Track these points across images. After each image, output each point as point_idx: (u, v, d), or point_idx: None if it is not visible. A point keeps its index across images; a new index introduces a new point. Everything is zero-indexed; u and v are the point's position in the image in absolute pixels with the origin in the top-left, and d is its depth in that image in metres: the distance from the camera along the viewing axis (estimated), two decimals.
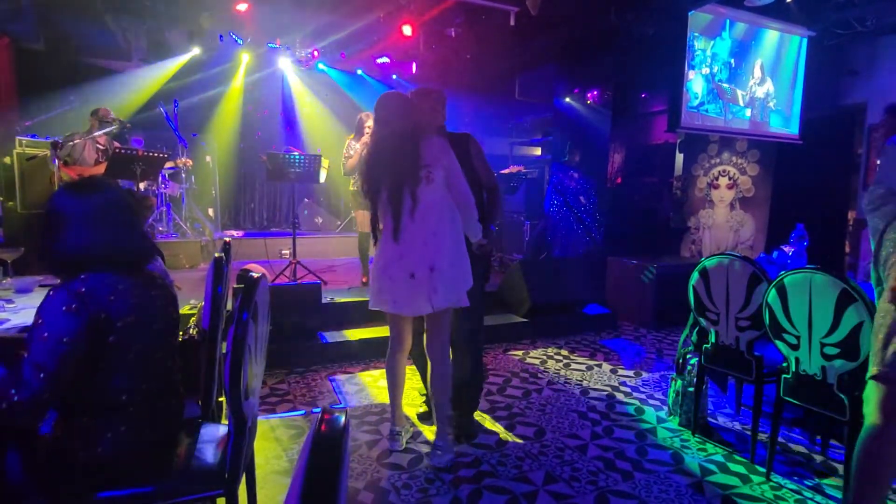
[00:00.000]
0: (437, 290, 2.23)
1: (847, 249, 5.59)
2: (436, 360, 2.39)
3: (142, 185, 5.06)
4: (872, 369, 1.73)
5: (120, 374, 1.25)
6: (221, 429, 1.64)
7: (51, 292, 1.19)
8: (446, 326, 2.37)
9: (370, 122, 4.46)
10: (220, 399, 1.95)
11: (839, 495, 2.16)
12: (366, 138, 4.37)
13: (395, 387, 2.52)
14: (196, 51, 6.47)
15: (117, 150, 4.46)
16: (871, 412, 1.72)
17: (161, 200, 5.62)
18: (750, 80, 5.26)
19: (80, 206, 1.29)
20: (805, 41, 5.39)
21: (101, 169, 4.50)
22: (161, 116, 5.92)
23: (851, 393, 2.01)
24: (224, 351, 1.41)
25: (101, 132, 4.60)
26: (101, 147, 4.76)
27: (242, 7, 5.43)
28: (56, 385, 1.14)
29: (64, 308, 1.16)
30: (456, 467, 2.35)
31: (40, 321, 1.16)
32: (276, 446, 2.51)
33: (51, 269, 1.29)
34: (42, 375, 1.12)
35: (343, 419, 0.61)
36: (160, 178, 5.44)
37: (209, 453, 1.50)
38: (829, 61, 5.47)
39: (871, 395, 1.72)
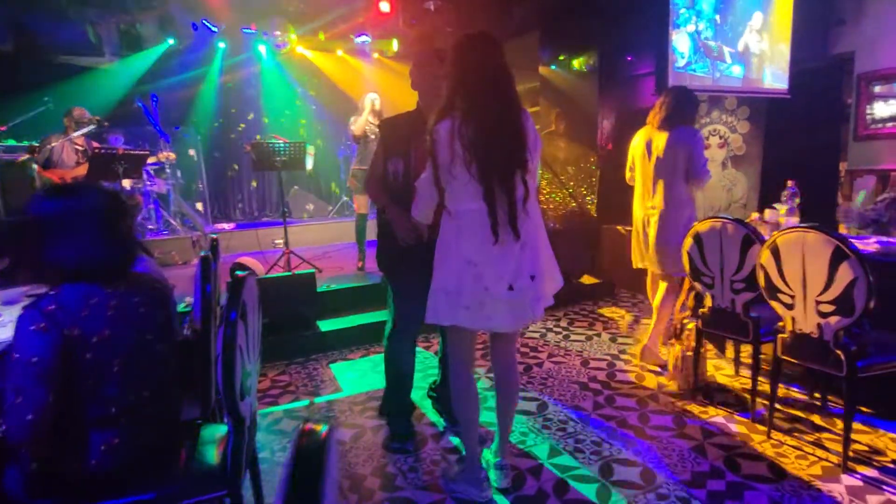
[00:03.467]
0: (540, 299, 1.89)
1: (840, 201, 5.58)
2: (514, 374, 2.06)
3: (126, 184, 5.00)
4: None
5: (106, 386, 1.23)
6: (222, 429, 1.63)
7: (23, 310, 1.16)
8: (517, 333, 2.10)
9: (374, 105, 4.43)
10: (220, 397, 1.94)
11: (838, 449, 2.18)
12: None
13: (473, 422, 2.02)
14: (170, 41, 6.30)
15: (97, 151, 4.37)
16: None
17: (148, 198, 5.55)
18: (745, 37, 5.15)
19: (52, 214, 1.25)
20: None
21: (82, 170, 4.41)
22: (140, 112, 5.80)
23: (848, 349, 2.02)
24: (217, 351, 1.40)
25: (77, 133, 4.50)
26: (79, 148, 4.66)
27: None
28: (37, 405, 1.12)
29: (33, 328, 1.14)
30: (459, 448, 2.37)
31: (13, 341, 1.14)
32: (281, 438, 2.52)
33: (32, 277, 1.27)
34: (20, 399, 1.11)
35: (324, 432, 0.59)
36: (145, 175, 5.36)
37: (210, 454, 1.50)
38: (816, 12, 5.36)
39: None
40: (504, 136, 1.76)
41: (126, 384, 1.26)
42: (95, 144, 4.77)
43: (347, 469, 2.25)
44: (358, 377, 3.23)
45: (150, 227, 5.54)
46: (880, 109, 5.31)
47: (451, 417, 2.56)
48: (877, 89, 5.27)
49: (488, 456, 2.16)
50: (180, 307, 3.51)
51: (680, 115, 3.00)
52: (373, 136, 4.33)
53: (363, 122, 4.42)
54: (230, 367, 1.32)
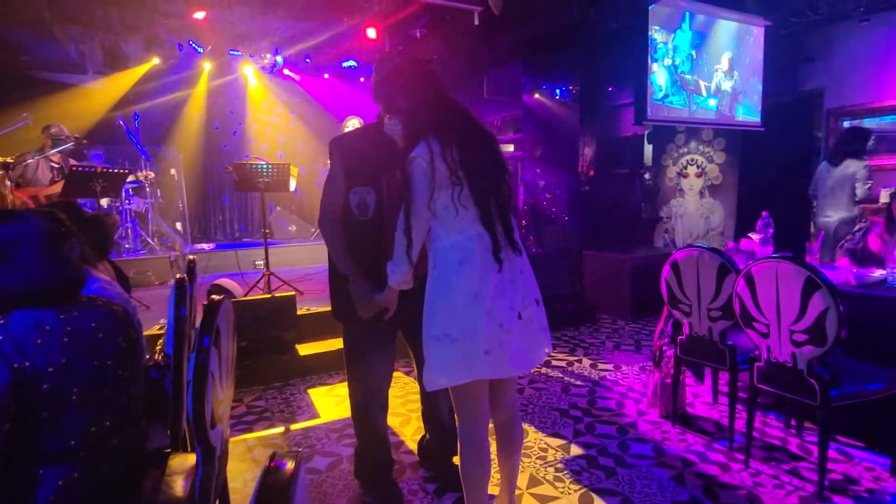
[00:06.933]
0: (547, 329, 1.71)
1: (811, 231, 5.73)
2: (520, 419, 1.85)
3: (104, 202, 4.92)
4: None
5: (65, 417, 1.18)
6: (191, 458, 1.58)
7: None
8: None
9: (351, 125, 4.45)
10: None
11: (815, 478, 2.19)
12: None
13: (483, 489, 1.73)
14: (155, 61, 6.29)
15: (74, 168, 4.30)
16: None
17: (126, 216, 5.46)
18: (715, 72, 5.34)
19: None
20: (762, 31, 5.51)
21: (57, 188, 4.33)
22: (121, 130, 5.76)
23: (821, 378, 2.05)
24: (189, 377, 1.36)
25: (54, 151, 4.44)
26: (55, 165, 4.59)
27: (199, 15, 5.29)
28: None
29: None
30: (439, 478, 2.32)
31: None
32: (253, 467, 2.45)
33: None
34: None
35: (291, 466, 0.57)
36: (124, 194, 5.28)
37: (178, 486, 1.44)
38: (786, 49, 5.60)
39: None
40: (488, 154, 1.66)
41: (86, 414, 1.20)
42: (72, 162, 4.70)
43: (322, 500, 2.18)
44: (336, 403, 3.17)
45: (126, 245, 5.43)
46: None
47: (447, 480, 2.24)
48: (845, 124, 5.48)
49: None
50: (153, 329, 3.43)
51: None
52: None
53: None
54: (201, 394, 1.28)
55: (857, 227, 2.98)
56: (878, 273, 2.41)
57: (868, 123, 5.27)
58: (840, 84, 5.42)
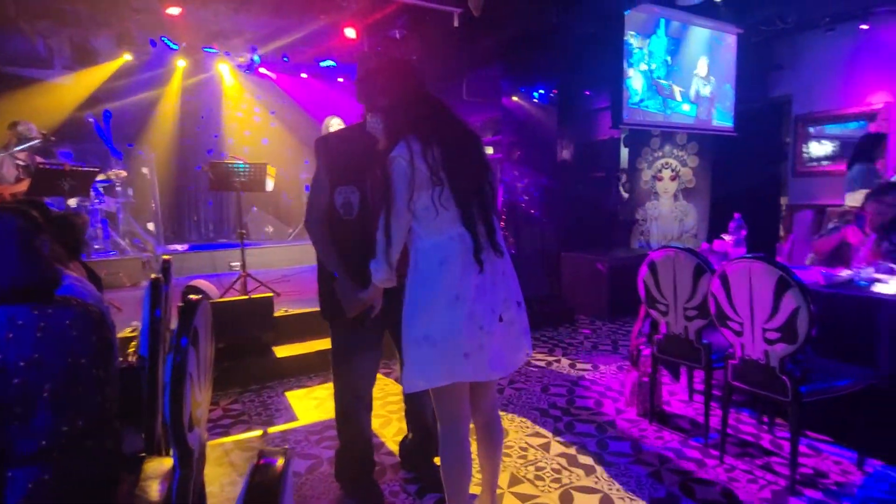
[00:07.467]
0: (528, 332, 1.71)
1: (781, 233, 5.91)
2: (499, 418, 1.85)
3: (72, 202, 4.77)
4: None
5: (36, 415, 1.14)
6: (167, 462, 1.54)
7: None
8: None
9: (336, 128, 4.36)
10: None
11: (787, 472, 2.26)
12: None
13: (465, 490, 1.74)
14: (127, 57, 6.13)
15: (41, 166, 4.16)
16: None
17: (95, 216, 5.30)
18: (693, 77, 5.47)
19: None
20: (735, 38, 5.66)
21: (23, 186, 4.19)
22: (91, 127, 5.59)
23: (793, 375, 2.11)
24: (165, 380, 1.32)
25: (20, 148, 4.29)
26: (21, 163, 4.43)
27: (174, 11, 5.17)
28: None
29: None
30: (420, 479, 2.31)
31: None
32: (230, 471, 2.40)
33: None
34: None
35: (280, 463, 0.56)
36: (93, 193, 5.13)
37: (154, 490, 1.41)
38: (756, 57, 5.77)
39: None
40: (471, 155, 1.65)
41: (58, 413, 1.17)
42: (39, 159, 4.54)
43: (303, 503, 2.15)
44: (315, 405, 3.13)
45: (96, 246, 5.27)
46: (815, 149, 5.71)
47: (428, 481, 2.22)
48: (811, 130, 5.67)
49: None
50: (125, 332, 3.34)
51: None
52: None
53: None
54: (178, 396, 1.25)
55: (830, 226, 3.08)
56: (846, 273, 2.50)
57: (833, 130, 5.47)
58: (807, 91, 5.61)
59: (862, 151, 4.35)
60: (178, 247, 6.50)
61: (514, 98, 6.66)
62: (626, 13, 4.87)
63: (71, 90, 6.13)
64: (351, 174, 1.83)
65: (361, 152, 1.76)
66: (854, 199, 3.95)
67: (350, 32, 5.68)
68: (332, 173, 1.86)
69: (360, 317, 1.80)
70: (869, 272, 2.46)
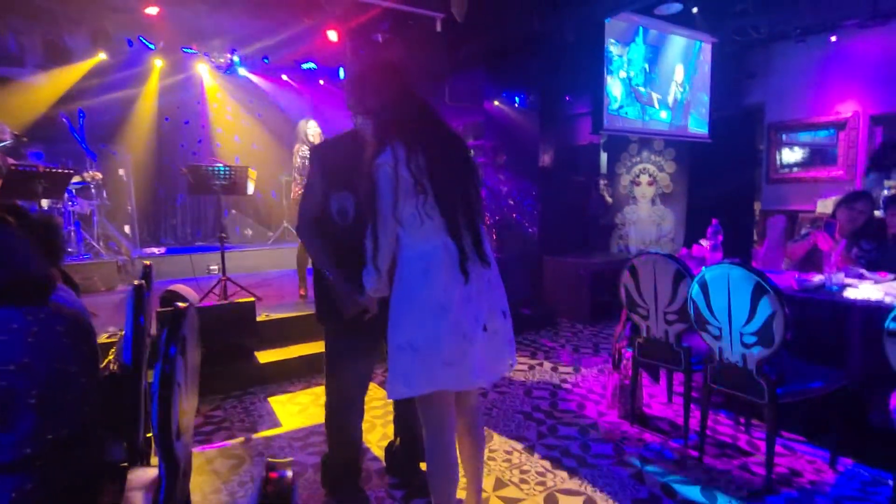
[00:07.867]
0: (513, 341, 1.72)
1: (755, 238, 6.07)
2: (482, 421, 1.86)
3: (45, 204, 4.64)
4: None
5: (21, 420, 1.12)
6: (151, 472, 1.51)
7: None
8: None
9: (312, 130, 4.33)
10: (149, 435, 1.80)
11: (763, 472, 2.32)
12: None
13: (452, 496, 1.72)
14: (102, 56, 5.98)
15: (13, 168, 4.04)
16: None
17: (69, 219, 5.16)
18: (671, 84, 5.59)
19: None
20: (710, 48, 5.81)
21: None
22: (64, 127, 5.45)
23: (769, 377, 2.17)
24: (150, 388, 1.31)
25: None
26: None
27: (152, 11, 5.09)
28: None
29: None
30: (406, 485, 2.32)
31: None
32: (214, 480, 2.36)
33: None
34: None
35: (289, 475, 0.57)
36: (67, 195, 5.00)
37: (138, 500, 1.38)
38: (730, 65, 5.93)
39: None
40: (455, 158, 1.65)
41: (44, 420, 1.15)
42: (11, 161, 4.41)
43: None
44: (298, 411, 3.10)
45: (69, 250, 5.13)
46: (787, 156, 5.89)
47: (414, 486, 2.23)
48: (784, 137, 5.85)
49: None
50: (102, 338, 3.26)
51: None
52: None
53: (296, 152, 4.32)
54: (167, 406, 1.24)
55: (803, 231, 3.19)
56: (818, 278, 2.58)
57: (804, 138, 5.65)
58: (779, 100, 5.78)
59: (875, 161, 4.49)
60: (156, 250, 6.37)
61: (496, 102, 6.71)
62: (606, 21, 4.96)
63: (43, 89, 5.95)
64: (345, 180, 1.82)
65: (355, 158, 1.75)
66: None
67: (332, 35, 5.66)
68: (326, 180, 1.86)
69: (355, 318, 1.81)
70: (840, 277, 2.54)
